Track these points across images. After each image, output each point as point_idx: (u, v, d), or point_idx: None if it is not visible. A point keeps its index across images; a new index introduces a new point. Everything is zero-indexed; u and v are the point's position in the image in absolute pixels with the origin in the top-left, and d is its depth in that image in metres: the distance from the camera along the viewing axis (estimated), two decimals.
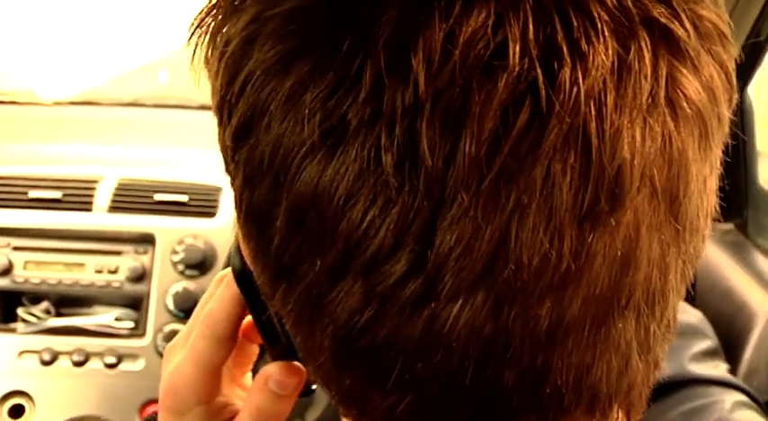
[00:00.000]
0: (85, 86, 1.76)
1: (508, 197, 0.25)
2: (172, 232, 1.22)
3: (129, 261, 1.21)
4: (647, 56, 0.26)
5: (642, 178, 0.26)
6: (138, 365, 1.17)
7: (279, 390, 0.42)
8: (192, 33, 0.32)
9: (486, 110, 0.25)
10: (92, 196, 1.24)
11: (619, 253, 0.26)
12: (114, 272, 1.21)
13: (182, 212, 1.24)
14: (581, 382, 0.28)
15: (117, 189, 1.25)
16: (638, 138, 0.26)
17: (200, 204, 1.24)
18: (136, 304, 1.21)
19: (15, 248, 1.22)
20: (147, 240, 1.22)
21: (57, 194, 1.24)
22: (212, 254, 1.20)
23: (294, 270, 0.29)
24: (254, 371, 0.50)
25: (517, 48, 0.25)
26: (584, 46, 0.25)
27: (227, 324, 0.44)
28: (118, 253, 1.22)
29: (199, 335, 0.44)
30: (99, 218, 1.23)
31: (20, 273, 1.21)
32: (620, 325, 0.28)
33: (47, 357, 1.17)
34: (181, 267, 1.20)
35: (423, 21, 0.25)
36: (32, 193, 1.24)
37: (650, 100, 0.26)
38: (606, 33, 0.25)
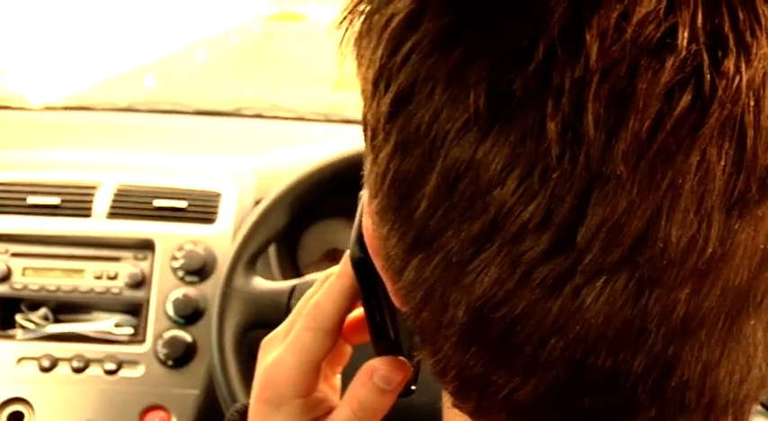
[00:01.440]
0: (72, 91, 1.75)
1: (664, 176, 0.26)
2: (171, 238, 1.21)
3: (128, 267, 1.21)
4: None
5: None
6: (138, 372, 1.17)
7: (383, 385, 0.43)
8: (344, 18, 0.34)
9: (653, 89, 0.26)
10: (90, 202, 1.24)
11: (761, 246, 0.27)
12: (113, 278, 1.21)
13: (181, 218, 1.23)
14: (705, 380, 0.29)
15: (116, 195, 1.25)
16: None
17: (200, 210, 1.24)
18: (135, 310, 1.21)
19: (14, 254, 1.22)
20: (146, 246, 1.22)
21: (55, 200, 1.24)
22: (212, 260, 1.20)
23: (436, 237, 0.30)
24: (344, 375, 0.50)
25: (686, 33, 0.26)
26: (748, 38, 0.26)
27: (334, 316, 0.45)
28: (117, 259, 1.22)
29: (304, 327, 0.45)
30: (98, 224, 1.23)
31: (18, 280, 1.20)
32: (752, 323, 0.29)
33: (46, 364, 1.17)
34: (180, 273, 1.19)
35: (598, 1, 0.27)
36: (31, 199, 1.24)
37: None
38: None
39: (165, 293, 1.19)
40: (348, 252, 0.45)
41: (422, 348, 0.35)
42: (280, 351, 0.46)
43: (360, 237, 0.40)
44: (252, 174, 1.29)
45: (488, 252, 0.28)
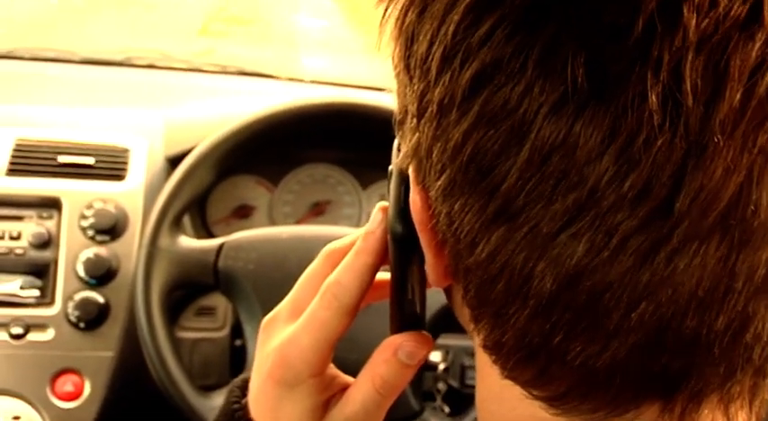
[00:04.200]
0: None
1: (755, 143, 0.28)
2: (79, 196, 1.16)
3: (32, 226, 1.15)
4: None
5: None
6: (48, 335, 1.12)
7: (409, 360, 0.44)
8: None
9: (745, 61, 0.28)
10: None
11: None
12: (17, 238, 1.15)
13: (88, 175, 1.18)
14: None
15: (15, 150, 1.18)
16: None
17: (108, 167, 1.19)
18: (41, 271, 1.15)
19: None
20: (51, 205, 1.16)
21: None
22: (124, 218, 1.16)
23: (524, 210, 0.30)
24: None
25: None
26: None
27: (355, 293, 0.45)
28: (19, 218, 1.15)
29: (323, 306, 0.45)
30: None
31: None
32: None
33: None
34: (91, 232, 1.15)
35: None
36: None
37: None
38: None
39: (75, 253, 1.14)
40: (367, 228, 0.45)
41: (477, 322, 0.36)
42: (293, 330, 0.45)
43: (402, 213, 0.40)
44: (160, 128, 1.25)
45: (582, 223, 0.29)
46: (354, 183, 1.32)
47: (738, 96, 0.28)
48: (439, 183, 0.33)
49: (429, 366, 1.03)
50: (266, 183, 1.32)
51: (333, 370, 0.48)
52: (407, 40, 0.34)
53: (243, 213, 1.32)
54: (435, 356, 1.05)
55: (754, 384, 0.33)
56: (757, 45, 0.28)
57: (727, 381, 0.32)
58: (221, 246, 1.00)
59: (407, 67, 0.34)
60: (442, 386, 1.04)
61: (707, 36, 0.28)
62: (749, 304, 0.30)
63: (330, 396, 0.47)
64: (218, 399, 0.97)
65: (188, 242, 1.02)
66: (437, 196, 0.34)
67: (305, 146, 1.30)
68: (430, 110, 0.33)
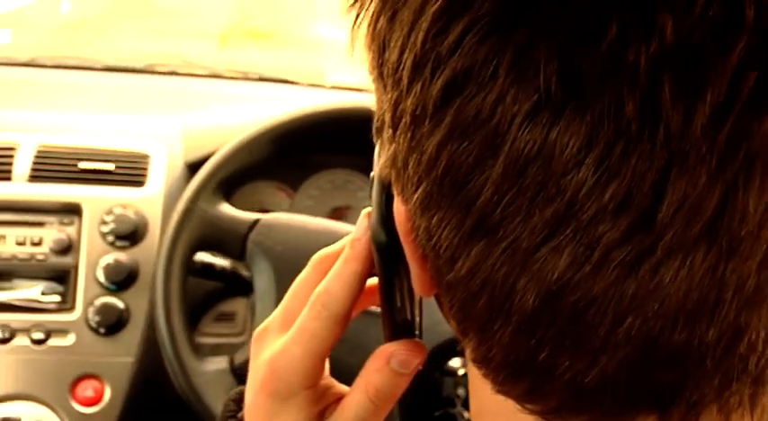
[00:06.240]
0: None
1: (739, 148, 0.27)
2: (99, 202, 1.17)
3: (53, 232, 1.16)
4: None
5: None
6: (68, 340, 1.13)
7: (401, 369, 0.43)
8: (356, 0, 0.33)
9: (726, 66, 0.26)
10: (10, 164, 1.17)
11: None
12: (38, 244, 1.15)
13: (108, 181, 1.19)
14: (766, 346, 0.30)
15: (37, 156, 1.19)
16: None
17: (128, 173, 1.20)
18: (62, 277, 1.16)
19: None
20: (72, 210, 1.17)
21: None
22: (143, 224, 1.16)
23: (502, 225, 0.29)
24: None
25: (751, 11, 0.26)
26: None
27: (345, 303, 0.43)
28: (41, 224, 1.16)
29: (312, 316, 0.44)
30: (18, 187, 1.17)
31: None
32: None
33: None
34: (111, 238, 1.15)
35: None
36: None
37: None
38: None
39: (95, 259, 1.14)
40: (354, 234, 0.44)
41: (464, 335, 0.34)
42: (284, 341, 0.44)
43: (384, 221, 0.39)
44: (180, 134, 1.25)
45: (562, 237, 0.28)
46: None
47: (721, 100, 0.26)
48: (416, 196, 0.32)
49: (449, 372, 1.02)
50: (286, 188, 1.31)
51: (327, 380, 0.47)
52: (379, 47, 0.33)
53: None
54: (455, 362, 1.04)
55: (753, 393, 0.32)
56: (739, 46, 0.26)
57: (724, 392, 0.31)
58: (256, 222, 1.04)
59: (381, 76, 0.33)
60: (461, 391, 1.03)
61: (685, 39, 0.26)
62: (741, 315, 0.29)
63: (324, 407, 0.45)
64: None
65: (227, 208, 1.06)
66: (415, 209, 0.33)
67: (324, 151, 1.30)
68: (404, 120, 0.31)
